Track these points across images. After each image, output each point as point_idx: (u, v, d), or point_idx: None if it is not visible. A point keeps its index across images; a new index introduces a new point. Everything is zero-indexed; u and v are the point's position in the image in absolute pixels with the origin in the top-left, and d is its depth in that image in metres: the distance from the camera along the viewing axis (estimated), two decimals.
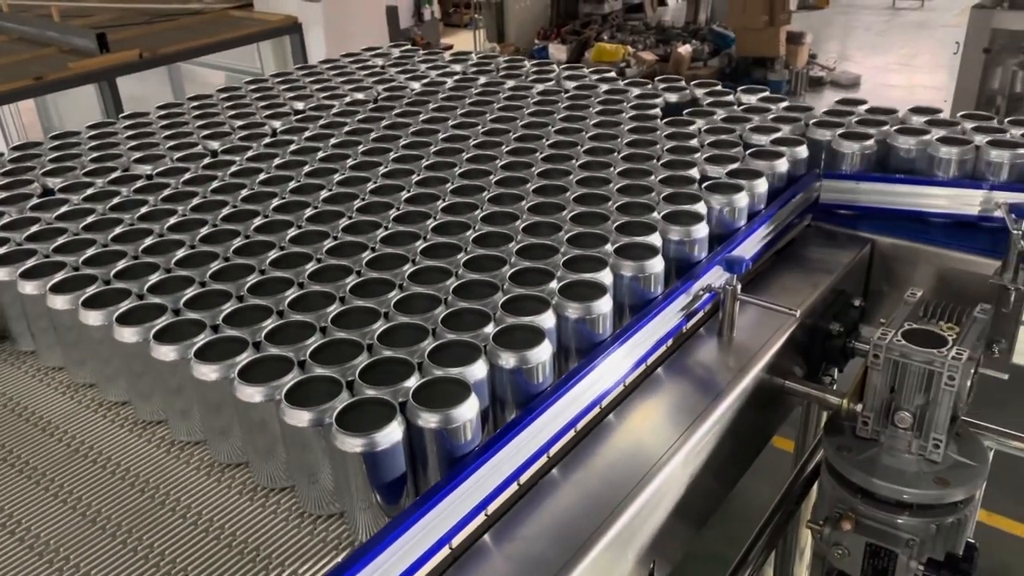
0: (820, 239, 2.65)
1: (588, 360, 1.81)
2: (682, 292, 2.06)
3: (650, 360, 2.02)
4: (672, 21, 14.20)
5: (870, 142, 2.64)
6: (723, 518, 3.25)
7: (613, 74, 3.42)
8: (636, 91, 3.20)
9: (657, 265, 1.99)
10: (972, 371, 1.87)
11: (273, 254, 2.08)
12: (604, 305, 1.84)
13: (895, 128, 2.68)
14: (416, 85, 3.40)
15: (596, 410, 1.86)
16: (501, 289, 1.88)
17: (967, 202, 2.52)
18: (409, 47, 3.99)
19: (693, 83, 3.22)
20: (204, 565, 1.53)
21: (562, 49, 12.77)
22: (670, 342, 2.08)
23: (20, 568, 1.55)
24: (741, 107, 3.00)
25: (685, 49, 12.52)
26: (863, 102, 2.95)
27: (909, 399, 1.88)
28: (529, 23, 13.83)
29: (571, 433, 1.79)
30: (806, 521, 2.06)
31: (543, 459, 1.72)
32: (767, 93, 3.08)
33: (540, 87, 3.28)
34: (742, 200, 2.31)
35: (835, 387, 2.40)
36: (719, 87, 3.20)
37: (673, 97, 3.13)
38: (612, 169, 2.48)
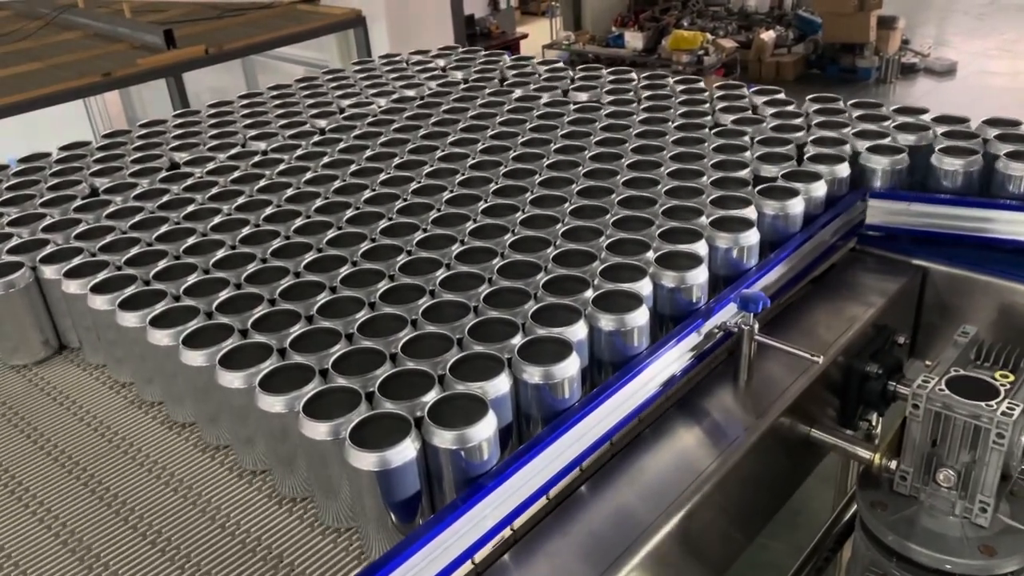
0: (864, 265, 2.35)
1: (589, 400, 1.65)
2: (691, 331, 1.85)
3: (654, 404, 1.83)
4: (756, 6, 13.71)
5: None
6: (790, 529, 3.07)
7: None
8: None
9: (700, 275, 1.89)
10: None
11: (310, 256, 2.06)
12: (641, 317, 1.76)
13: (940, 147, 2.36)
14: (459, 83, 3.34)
15: (606, 446, 1.74)
16: (534, 297, 1.81)
17: None
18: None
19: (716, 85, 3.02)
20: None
21: (638, 37, 12.47)
22: (680, 383, 1.88)
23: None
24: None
25: (768, 35, 12.08)
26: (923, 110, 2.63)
27: (953, 455, 1.66)
28: (606, 10, 13.58)
29: (575, 472, 1.68)
30: None
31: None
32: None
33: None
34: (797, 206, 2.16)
35: (876, 431, 2.16)
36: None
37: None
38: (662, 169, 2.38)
